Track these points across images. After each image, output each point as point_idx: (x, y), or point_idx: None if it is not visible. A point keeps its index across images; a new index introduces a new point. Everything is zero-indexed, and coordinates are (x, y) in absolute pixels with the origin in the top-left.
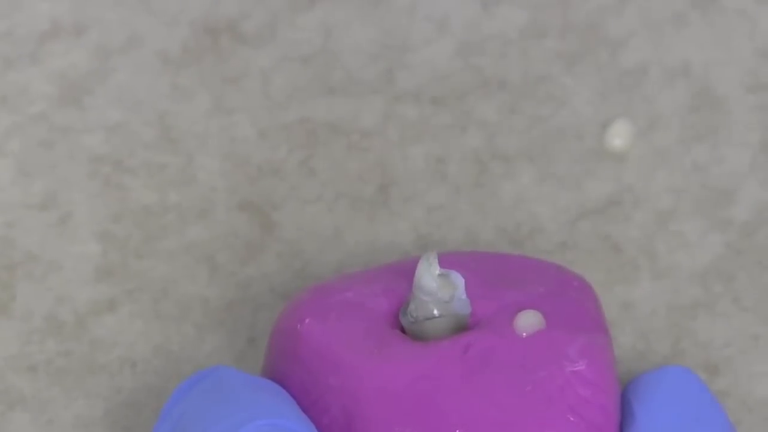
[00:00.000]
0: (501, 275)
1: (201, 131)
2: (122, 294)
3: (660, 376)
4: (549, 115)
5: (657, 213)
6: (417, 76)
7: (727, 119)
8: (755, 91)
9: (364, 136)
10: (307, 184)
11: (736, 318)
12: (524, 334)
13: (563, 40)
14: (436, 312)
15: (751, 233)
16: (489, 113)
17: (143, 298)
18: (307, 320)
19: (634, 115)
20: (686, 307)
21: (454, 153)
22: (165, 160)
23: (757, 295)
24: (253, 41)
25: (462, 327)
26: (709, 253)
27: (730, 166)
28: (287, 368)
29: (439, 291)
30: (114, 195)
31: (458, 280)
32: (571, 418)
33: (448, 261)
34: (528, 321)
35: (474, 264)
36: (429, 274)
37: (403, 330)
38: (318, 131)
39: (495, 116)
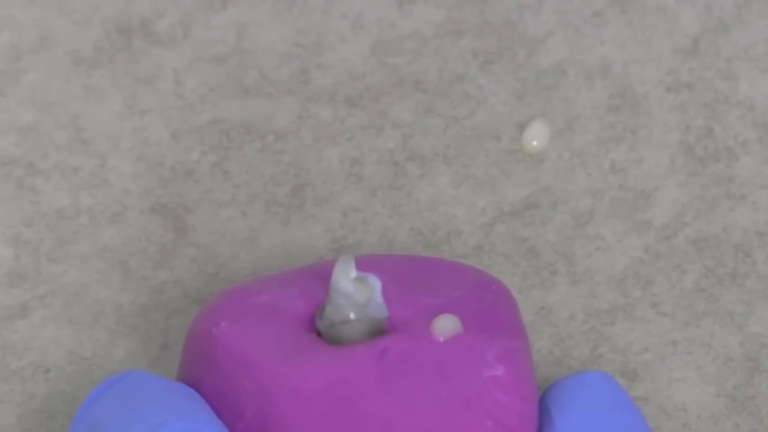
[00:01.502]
0: (418, 279)
1: (113, 133)
2: (34, 299)
3: (579, 382)
4: (465, 115)
5: (575, 216)
6: (332, 76)
7: (646, 119)
8: (675, 91)
9: (279, 137)
10: (220, 187)
11: (654, 323)
12: (441, 338)
13: (480, 39)
14: (352, 315)
15: (670, 236)
16: (405, 114)
17: (55, 303)
18: (222, 324)
19: (552, 115)
20: (604, 312)
21: (370, 154)
22: (77, 163)
23: (676, 300)
24: (167, 41)
25: (379, 331)
26: (628, 256)
27: (648, 168)
28: (202, 372)
29: (355, 294)
30: (26, 198)
31: (375, 283)
32: (489, 424)
33: (364, 264)
34: (445, 325)
35: (391, 267)
36: (345, 277)
37: (319, 333)
38: (231, 132)
39: (411, 117)
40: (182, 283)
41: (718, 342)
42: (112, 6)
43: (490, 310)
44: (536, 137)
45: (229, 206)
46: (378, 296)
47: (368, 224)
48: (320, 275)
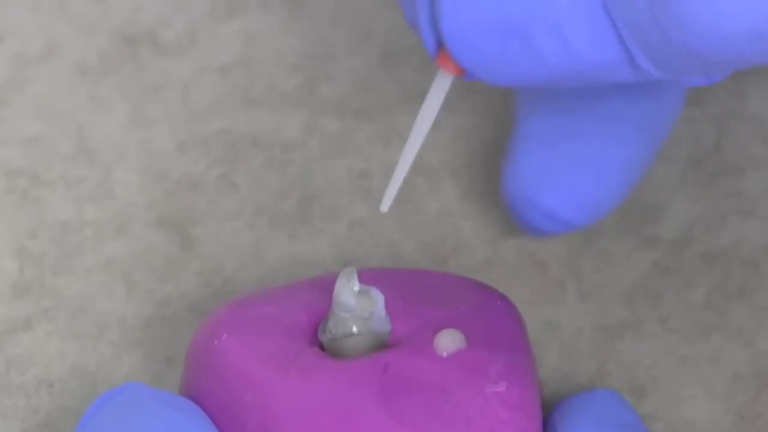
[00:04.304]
0: (422, 292)
1: (119, 144)
2: (38, 312)
3: (587, 400)
4: (473, 129)
5: (583, 230)
6: (339, 87)
7: None
8: (684, 105)
9: (286, 149)
10: (226, 199)
11: (662, 339)
12: (444, 353)
13: None
14: (355, 329)
15: (680, 251)
16: (412, 126)
17: (60, 317)
18: (224, 335)
19: None
20: (612, 327)
21: (377, 167)
22: (83, 174)
23: (685, 315)
24: (173, 51)
25: (382, 345)
26: (636, 271)
27: (658, 181)
28: (204, 384)
29: (357, 308)
30: (31, 210)
31: (378, 296)
32: None
33: (368, 277)
34: (448, 340)
35: (395, 280)
36: (348, 290)
37: (322, 347)
38: (238, 144)
39: None
40: (187, 297)
41: (726, 358)
42: (119, 15)
43: (495, 325)
44: None
45: (235, 219)
46: (381, 310)
47: (375, 238)
48: (324, 288)
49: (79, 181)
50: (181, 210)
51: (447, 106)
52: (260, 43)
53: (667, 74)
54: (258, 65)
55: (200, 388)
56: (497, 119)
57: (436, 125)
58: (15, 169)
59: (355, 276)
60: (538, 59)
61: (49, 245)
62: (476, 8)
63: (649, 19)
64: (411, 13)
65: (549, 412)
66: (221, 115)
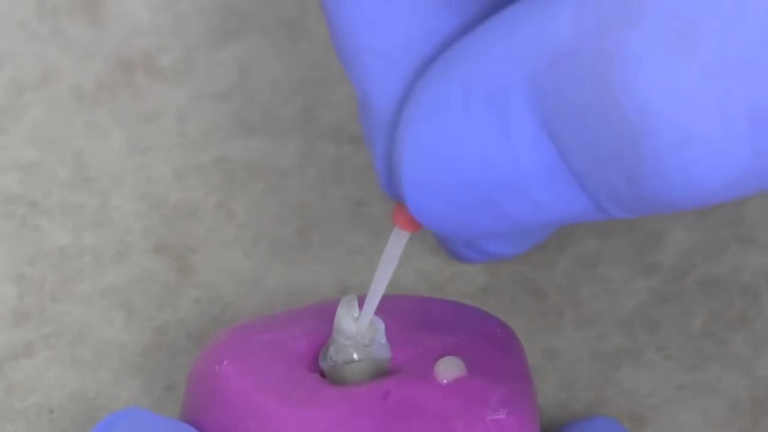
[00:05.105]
0: (422, 320)
1: (116, 170)
2: (38, 338)
3: (586, 427)
4: None
5: (581, 257)
6: (337, 113)
7: None
8: None
9: (283, 176)
10: (224, 227)
11: (661, 367)
12: (445, 380)
13: None
14: (355, 356)
15: (679, 279)
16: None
17: (59, 343)
18: (225, 361)
19: None
20: (611, 354)
21: (374, 194)
22: (80, 201)
23: (684, 343)
24: (169, 77)
25: (382, 371)
26: (635, 299)
27: None
28: (204, 410)
29: (358, 334)
30: (30, 237)
31: (378, 324)
32: None
33: None
34: (449, 367)
35: (395, 308)
36: (349, 318)
37: (322, 373)
38: (236, 171)
39: None
40: (186, 324)
41: (725, 386)
42: (114, 41)
43: (495, 352)
44: None
45: (233, 246)
46: (382, 337)
47: (373, 265)
48: (324, 314)
49: (77, 208)
50: (179, 237)
51: None
52: (257, 69)
53: (638, 215)
54: (255, 91)
55: (201, 414)
56: None
57: None
58: (13, 196)
59: (356, 303)
60: (506, 219)
61: (48, 272)
62: (439, 176)
63: (628, 191)
64: (370, 145)
65: None
66: (218, 141)
